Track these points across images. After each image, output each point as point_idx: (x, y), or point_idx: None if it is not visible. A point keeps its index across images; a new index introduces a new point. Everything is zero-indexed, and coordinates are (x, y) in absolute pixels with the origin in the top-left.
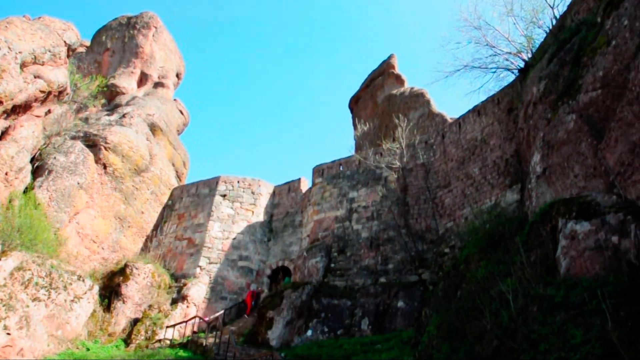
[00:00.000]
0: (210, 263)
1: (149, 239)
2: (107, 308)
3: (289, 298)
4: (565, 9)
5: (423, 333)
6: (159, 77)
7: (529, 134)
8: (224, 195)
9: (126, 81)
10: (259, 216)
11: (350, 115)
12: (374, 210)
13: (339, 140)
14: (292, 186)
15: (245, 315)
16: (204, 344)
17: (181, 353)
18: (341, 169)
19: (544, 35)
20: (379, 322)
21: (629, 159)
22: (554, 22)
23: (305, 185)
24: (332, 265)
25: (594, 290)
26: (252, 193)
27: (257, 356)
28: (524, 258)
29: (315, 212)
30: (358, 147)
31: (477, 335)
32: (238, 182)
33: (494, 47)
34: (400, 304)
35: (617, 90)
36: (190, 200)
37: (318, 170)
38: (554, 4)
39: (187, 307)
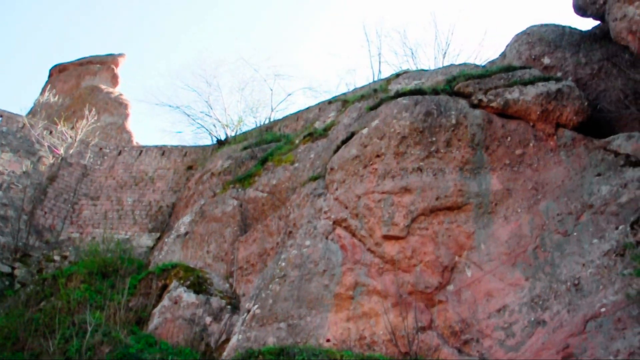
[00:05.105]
0: None
1: None
2: None
3: None
4: (280, 118)
5: None
6: None
7: (192, 196)
8: None
9: None
10: None
11: (46, 78)
12: (7, 180)
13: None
14: None
15: None
16: None
17: None
18: (0, 121)
19: (255, 125)
20: None
21: (255, 260)
22: (268, 121)
23: None
24: None
25: (168, 355)
26: None
27: None
28: (124, 300)
29: None
30: (33, 113)
31: (35, 355)
32: None
33: (211, 108)
34: None
35: (279, 202)
36: None
37: None
38: (274, 108)
39: None
